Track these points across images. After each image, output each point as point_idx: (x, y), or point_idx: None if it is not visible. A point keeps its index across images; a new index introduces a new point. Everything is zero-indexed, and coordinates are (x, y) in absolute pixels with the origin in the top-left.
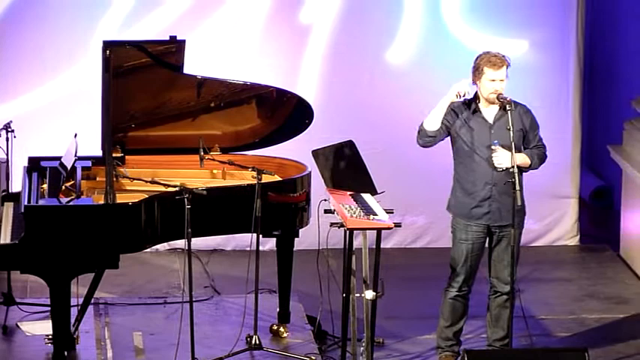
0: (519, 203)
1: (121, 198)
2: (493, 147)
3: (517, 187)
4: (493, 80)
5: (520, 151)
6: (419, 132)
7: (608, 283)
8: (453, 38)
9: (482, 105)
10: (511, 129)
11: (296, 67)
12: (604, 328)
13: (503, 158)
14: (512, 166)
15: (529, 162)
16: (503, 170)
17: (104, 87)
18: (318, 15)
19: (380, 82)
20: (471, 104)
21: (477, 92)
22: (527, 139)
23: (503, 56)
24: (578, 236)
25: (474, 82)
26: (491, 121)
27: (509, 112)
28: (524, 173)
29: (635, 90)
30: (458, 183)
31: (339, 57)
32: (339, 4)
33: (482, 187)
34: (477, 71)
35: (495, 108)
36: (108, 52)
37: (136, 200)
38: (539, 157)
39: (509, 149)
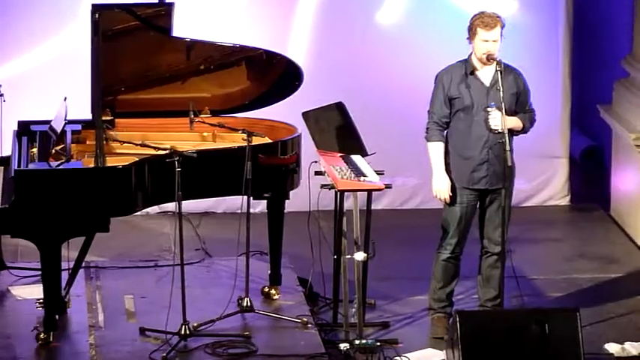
0: (509, 163)
1: (111, 161)
2: (489, 109)
3: (507, 148)
4: (485, 41)
5: (513, 114)
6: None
7: (599, 242)
8: None
9: (478, 66)
10: (501, 89)
11: (286, 28)
12: (595, 288)
13: (499, 120)
14: (503, 127)
15: (522, 125)
16: (498, 132)
17: (93, 51)
18: None
19: (370, 44)
20: (466, 65)
21: (471, 53)
22: (521, 102)
23: (498, 16)
24: (569, 196)
25: (470, 42)
26: (487, 83)
27: (498, 72)
28: (515, 136)
29: (625, 49)
30: (454, 150)
31: (329, 18)
32: None
33: (480, 150)
34: (471, 31)
35: (491, 70)
36: (97, 15)
37: (127, 163)
38: (531, 121)
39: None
